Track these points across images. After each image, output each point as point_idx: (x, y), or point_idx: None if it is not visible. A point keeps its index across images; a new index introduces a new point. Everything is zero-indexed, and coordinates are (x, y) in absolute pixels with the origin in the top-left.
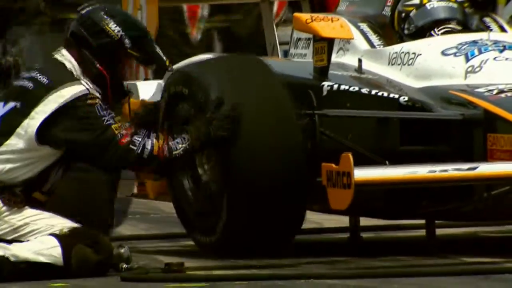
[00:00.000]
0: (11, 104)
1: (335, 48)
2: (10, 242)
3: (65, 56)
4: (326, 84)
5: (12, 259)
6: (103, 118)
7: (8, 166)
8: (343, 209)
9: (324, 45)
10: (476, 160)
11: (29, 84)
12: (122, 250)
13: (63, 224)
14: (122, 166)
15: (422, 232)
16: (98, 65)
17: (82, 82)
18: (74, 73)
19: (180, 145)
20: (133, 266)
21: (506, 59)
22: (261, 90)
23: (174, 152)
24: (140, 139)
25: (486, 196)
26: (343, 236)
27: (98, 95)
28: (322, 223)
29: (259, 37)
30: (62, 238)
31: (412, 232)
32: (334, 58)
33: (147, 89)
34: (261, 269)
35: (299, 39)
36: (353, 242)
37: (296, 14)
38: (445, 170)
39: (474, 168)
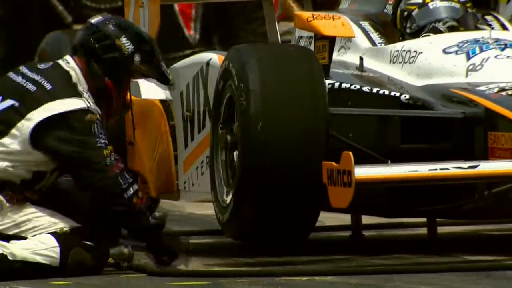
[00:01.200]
0: (9, 102)
1: (336, 46)
2: (8, 239)
3: (70, 65)
4: (327, 82)
5: (9, 257)
6: (96, 139)
7: (5, 164)
8: (343, 207)
9: (326, 43)
10: (477, 158)
11: (32, 87)
12: (125, 249)
13: (65, 222)
14: (100, 195)
15: (423, 230)
16: (105, 78)
17: (85, 97)
18: (79, 87)
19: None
20: (133, 265)
21: (508, 57)
22: (295, 83)
23: (141, 217)
24: (129, 177)
25: (487, 194)
26: (344, 234)
27: (98, 111)
28: (323, 221)
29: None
30: (61, 238)
31: (414, 230)
32: (336, 56)
33: (149, 88)
34: (263, 266)
35: (300, 37)
36: (355, 240)
37: (298, 12)
38: (446, 169)
39: (475, 167)
